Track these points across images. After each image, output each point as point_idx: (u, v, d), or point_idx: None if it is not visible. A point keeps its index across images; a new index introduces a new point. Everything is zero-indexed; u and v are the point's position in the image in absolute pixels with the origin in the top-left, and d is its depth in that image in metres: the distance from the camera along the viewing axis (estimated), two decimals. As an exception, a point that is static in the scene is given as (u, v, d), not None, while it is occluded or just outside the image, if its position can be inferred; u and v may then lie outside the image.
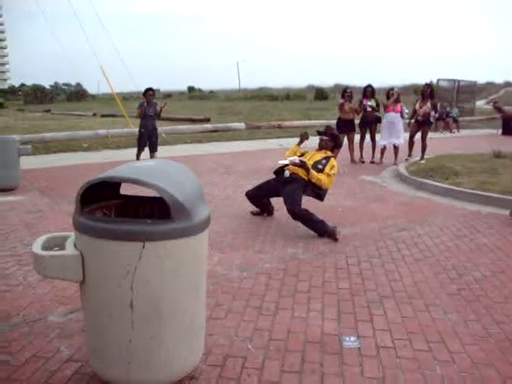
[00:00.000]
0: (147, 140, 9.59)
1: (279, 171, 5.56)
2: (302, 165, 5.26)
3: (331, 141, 5.84)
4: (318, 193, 5.48)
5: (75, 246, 2.16)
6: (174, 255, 2.07)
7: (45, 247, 2.22)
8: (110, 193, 2.46)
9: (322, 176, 5.31)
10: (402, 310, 3.30)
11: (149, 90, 9.56)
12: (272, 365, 2.60)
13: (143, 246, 1.99)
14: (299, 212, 5.05)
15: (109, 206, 2.44)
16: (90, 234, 2.05)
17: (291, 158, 5.37)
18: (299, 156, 5.67)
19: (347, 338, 2.89)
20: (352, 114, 10.47)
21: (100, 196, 2.37)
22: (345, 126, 10.31)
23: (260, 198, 5.76)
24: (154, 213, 2.47)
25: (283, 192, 5.28)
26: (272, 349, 2.77)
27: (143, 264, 2.01)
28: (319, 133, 5.98)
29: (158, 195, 2.11)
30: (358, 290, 3.64)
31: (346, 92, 10.63)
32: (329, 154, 5.71)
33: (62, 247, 2.22)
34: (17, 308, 3.26)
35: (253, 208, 5.90)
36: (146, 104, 9.48)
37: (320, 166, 5.41)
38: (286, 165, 5.41)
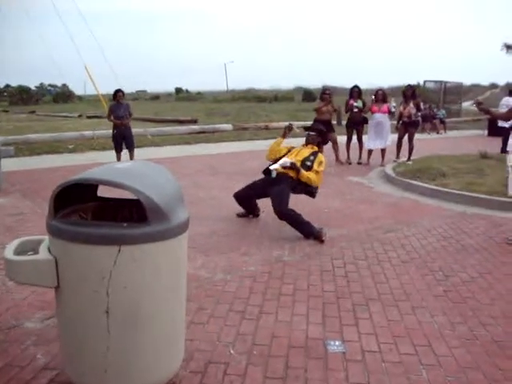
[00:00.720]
0: (122, 140, 9.60)
1: (268, 171, 5.49)
2: (293, 167, 5.21)
3: (318, 136, 5.79)
4: (309, 190, 5.45)
5: (49, 250, 2.08)
6: (151, 259, 2.00)
7: (18, 252, 2.13)
8: (87, 195, 2.38)
9: (311, 175, 5.27)
10: (388, 313, 3.25)
11: (118, 91, 9.71)
12: (255, 371, 2.53)
13: (119, 250, 1.92)
14: (286, 212, 4.99)
15: (86, 208, 2.36)
16: (63, 238, 1.97)
17: (281, 162, 5.30)
18: (286, 152, 5.61)
19: (332, 343, 2.83)
20: (329, 115, 10.25)
21: (77, 198, 2.29)
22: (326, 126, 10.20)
23: (248, 199, 5.69)
24: (132, 216, 2.39)
25: (271, 192, 5.22)
26: (255, 354, 2.70)
27: (119, 269, 1.94)
28: (305, 128, 5.91)
29: (135, 197, 2.04)
30: (343, 293, 3.59)
31: (324, 93, 10.42)
32: (315, 149, 5.66)
33: (36, 251, 2.14)
34: (-7, 314, 3.16)
35: (239, 210, 5.83)
36: (116, 105, 9.60)
37: (308, 163, 5.35)
38: (275, 170, 5.34)
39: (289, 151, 5.66)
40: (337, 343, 2.83)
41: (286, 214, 5.01)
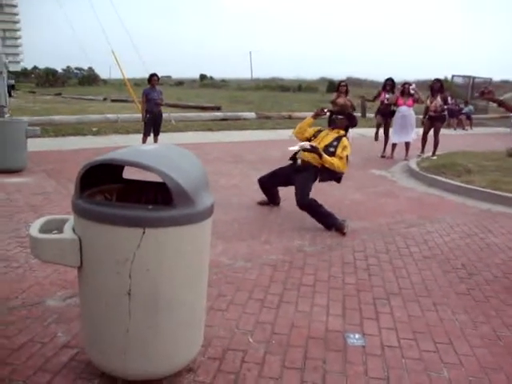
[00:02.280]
0: (153, 125, 9.61)
1: (294, 158, 5.41)
2: (313, 150, 5.07)
3: (346, 120, 5.55)
4: (336, 177, 5.37)
5: (73, 230, 2.08)
6: (175, 243, 1.98)
7: (43, 230, 2.14)
8: (112, 176, 2.38)
9: (334, 160, 5.10)
10: (409, 309, 3.21)
11: (153, 75, 9.76)
12: (273, 360, 2.52)
13: (143, 233, 1.91)
14: (306, 202, 4.95)
15: (110, 189, 2.36)
16: (88, 218, 1.97)
17: (301, 144, 5.17)
18: (313, 134, 5.50)
19: (352, 336, 2.81)
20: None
21: (102, 179, 2.29)
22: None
23: (272, 185, 5.64)
24: (156, 199, 2.38)
25: (295, 180, 5.17)
26: (274, 343, 2.69)
27: (143, 251, 1.93)
28: (332, 112, 5.70)
29: (161, 180, 2.02)
30: (364, 286, 3.55)
31: (340, 85, 10.29)
32: (341, 133, 5.43)
33: (61, 230, 2.14)
34: (16, 291, 3.20)
35: (260, 198, 5.81)
36: (150, 89, 9.63)
37: (331, 149, 5.19)
38: (297, 152, 5.25)
39: (316, 133, 5.51)
40: (356, 336, 2.80)
41: (306, 205, 4.96)
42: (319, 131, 5.57)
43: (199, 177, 2.18)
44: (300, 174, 5.16)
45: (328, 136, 5.40)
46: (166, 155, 2.18)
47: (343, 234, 4.75)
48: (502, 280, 3.79)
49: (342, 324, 2.95)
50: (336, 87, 10.58)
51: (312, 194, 5.06)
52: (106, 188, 2.34)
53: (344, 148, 5.22)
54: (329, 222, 4.90)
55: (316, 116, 5.64)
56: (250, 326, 2.86)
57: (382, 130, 10.83)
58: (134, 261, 1.94)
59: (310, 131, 5.57)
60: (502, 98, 3.79)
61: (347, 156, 5.24)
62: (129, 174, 2.45)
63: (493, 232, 5.11)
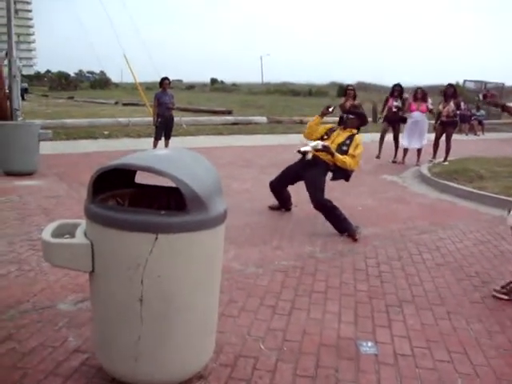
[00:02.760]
0: (164, 129, 9.62)
1: (303, 152, 5.32)
2: (326, 150, 5.05)
3: (357, 119, 5.51)
4: (348, 174, 5.37)
5: (85, 234, 2.08)
6: (188, 249, 1.97)
7: (55, 234, 2.14)
8: (124, 181, 2.38)
9: (346, 158, 5.10)
10: (422, 317, 3.16)
11: (165, 79, 9.76)
12: (285, 367, 2.49)
13: (156, 238, 1.90)
14: (323, 202, 4.93)
15: (122, 194, 2.35)
16: (101, 223, 1.97)
17: (313, 144, 5.13)
18: (325, 133, 5.44)
19: (364, 344, 2.77)
20: None
21: (114, 184, 2.28)
22: None
23: (283, 186, 5.60)
24: (169, 204, 2.37)
25: (305, 176, 5.14)
26: (285, 350, 2.66)
27: (155, 257, 1.92)
28: (344, 111, 5.63)
29: (174, 185, 2.01)
30: (376, 293, 3.51)
31: (348, 89, 10.21)
32: (354, 131, 5.40)
33: (73, 235, 2.14)
34: (27, 294, 3.20)
35: (272, 202, 5.79)
36: (162, 93, 9.65)
37: (344, 148, 5.17)
38: (307, 152, 5.18)
39: (327, 132, 5.46)
40: (369, 344, 2.76)
41: (323, 205, 4.93)
42: (331, 130, 5.51)
43: (213, 182, 2.17)
44: (310, 171, 5.11)
45: (340, 136, 5.36)
46: (179, 160, 2.17)
47: (355, 240, 4.71)
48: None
49: (354, 331, 2.92)
50: (344, 91, 10.47)
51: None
52: (119, 193, 2.33)
53: (357, 146, 5.21)
54: (343, 226, 4.86)
55: (323, 115, 5.57)
56: (261, 333, 2.83)
57: (390, 136, 10.66)
58: (146, 266, 1.92)
59: (321, 130, 5.52)
60: (506, 103, 3.70)
61: (359, 154, 5.22)
62: (141, 178, 2.44)
63: (506, 239, 5.04)
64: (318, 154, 5.13)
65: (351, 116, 5.52)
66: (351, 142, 5.23)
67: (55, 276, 3.52)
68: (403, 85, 10.69)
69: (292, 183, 5.56)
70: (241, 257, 4.11)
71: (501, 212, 6.21)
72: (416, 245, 4.71)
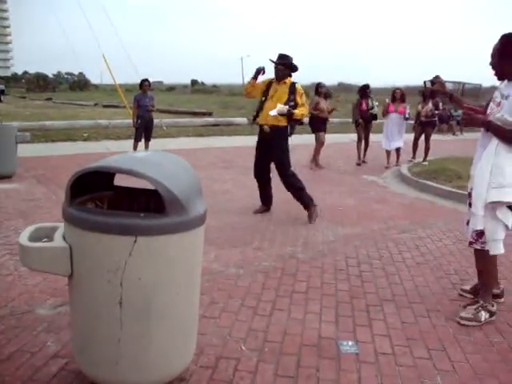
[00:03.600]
0: (144, 130, 9.58)
1: (255, 120, 5.65)
2: (290, 113, 5.30)
3: (286, 68, 5.44)
4: (300, 123, 5.72)
5: (64, 237, 2.05)
6: (168, 251, 1.96)
7: (32, 238, 2.11)
8: (103, 183, 2.35)
9: (302, 110, 5.42)
10: (402, 315, 3.19)
11: (145, 81, 9.78)
12: (266, 368, 2.49)
13: (135, 241, 1.88)
14: (291, 173, 5.42)
15: (101, 197, 2.33)
16: (79, 226, 1.94)
17: (279, 109, 5.29)
18: (265, 89, 5.49)
19: (345, 343, 2.79)
20: (326, 113, 9.75)
21: (93, 186, 2.26)
22: (317, 124, 9.74)
23: (264, 170, 5.67)
24: (149, 206, 2.35)
25: (273, 154, 5.48)
26: (267, 351, 2.66)
27: (134, 259, 1.90)
28: (272, 61, 5.49)
29: (153, 187, 2.00)
30: (357, 293, 3.54)
31: (319, 87, 9.91)
32: (288, 81, 5.44)
33: (51, 239, 2.11)
34: (5, 299, 3.15)
35: (253, 205, 5.80)
36: (141, 95, 9.61)
37: (292, 103, 5.35)
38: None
39: (267, 88, 5.48)
40: (350, 343, 2.78)
41: (291, 176, 5.40)
42: (269, 84, 5.51)
43: (192, 184, 2.16)
44: (274, 147, 5.43)
45: (279, 91, 5.41)
46: (158, 162, 2.15)
47: (310, 220, 5.30)
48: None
49: (335, 331, 2.93)
50: (315, 90, 10.25)
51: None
52: (97, 195, 2.31)
53: (301, 95, 5.44)
54: (307, 201, 5.42)
55: (256, 77, 5.57)
56: (242, 334, 2.83)
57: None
58: (125, 269, 1.91)
59: (261, 86, 5.56)
60: (454, 94, 3.64)
61: (305, 99, 5.56)
62: (120, 180, 2.42)
63: (484, 237, 5.12)
64: (272, 122, 5.36)
65: (280, 66, 5.42)
66: (294, 94, 5.38)
67: (34, 280, 3.47)
68: (383, 85, 10.74)
69: (269, 162, 5.63)
70: (221, 258, 4.10)
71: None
72: (396, 244, 4.75)
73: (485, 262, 3.20)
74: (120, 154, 2.26)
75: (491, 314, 3.15)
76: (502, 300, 3.43)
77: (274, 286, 3.57)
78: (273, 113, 5.33)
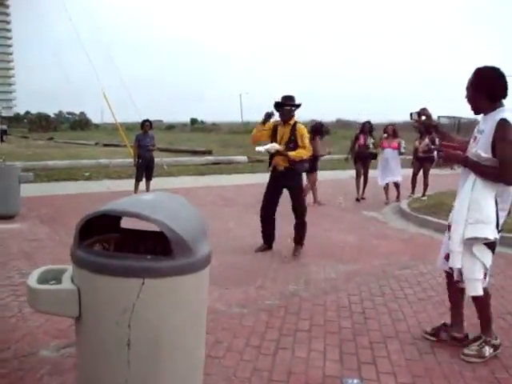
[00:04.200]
0: (145, 170, 9.69)
1: (270, 163, 5.68)
2: (281, 154, 5.43)
3: (294, 109, 5.57)
4: (307, 162, 6.02)
5: (72, 280, 2.10)
6: (174, 292, 2.00)
7: (41, 280, 2.15)
8: (109, 226, 2.41)
9: (300, 152, 5.46)
10: (407, 352, 3.20)
11: (146, 121, 9.95)
12: (272, 408, 2.49)
13: (143, 283, 1.92)
14: (304, 219, 5.69)
15: (108, 239, 2.38)
16: (88, 269, 1.99)
17: (267, 147, 5.43)
18: (273, 132, 5.59)
19: (350, 381, 2.79)
20: (319, 151, 9.51)
21: (99, 228, 2.31)
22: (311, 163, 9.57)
23: (272, 208, 5.75)
24: (155, 248, 2.40)
25: (290, 187, 5.62)
26: (272, 391, 2.66)
27: (142, 301, 1.94)
28: (277, 104, 5.53)
29: (159, 229, 2.05)
30: (360, 330, 3.54)
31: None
32: (292, 122, 5.52)
33: (59, 281, 2.15)
34: (8, 341, 3.16)
35: (255, 243, 5.83)
36: (142, 135, 9.77)
37: (291, 145, 5.46)
38: (261, 151, 5.60)
39: (274, 132, 5.59)
40: (355, 381, 2.78)
41: (304, 221, 5.67)
42: (275, 128, 5.61)
43: (197, 226, 2.22)
44: (291, 181, 5.56)
45: (285, 134, 5.53)
46: (164, 204, 2.22)
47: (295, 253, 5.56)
48: (497, 321, 3.78)
49: (340, 369, 2.94)
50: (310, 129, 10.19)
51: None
52: (104, 237, 2.36)
53: (302, 136, 5.50)
54: (302, 240, 5.72)
55: (265, 122, 5.64)
56: (247, 374, 2.83)
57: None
58: (133, 311, 1.94)
59: (267, 131, 5.63)
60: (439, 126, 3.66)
61: (308, 141, 5.60)
62: (126, 222, 2.47)
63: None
64: (284, 164, 5.48)
65: (286, 108, 5.50)
66: (295, 135, 5.47)
67: (37, 322, 3.48)
68: (380, 121, 10.89)
69: (277, 200, 5.76)
70: (225, 297, 4.11)
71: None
72: (398, 280, 4.77)
73: (477, 301, 3.17)
74: (127, 197, 2.32)
75: (495, 348, 3.14)
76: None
77: (278, 325, 3.57)
78: (259, 149, 5.54)
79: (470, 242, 2.97)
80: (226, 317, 3.69)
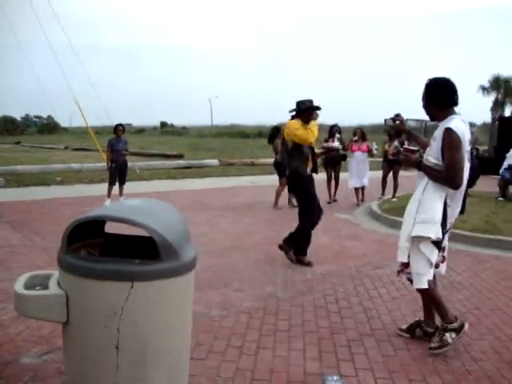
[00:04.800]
0: (117, 174, 9.65)
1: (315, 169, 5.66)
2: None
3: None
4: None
5: (59, 285, 2.13)
6: (162, 295, 2.05)
7: (27, 286, 2.17)
8: (94, 231, 2.44)
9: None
10: (383, 349, 3.32)
11: (119, 125, 9.93)
12: (256, 406, 2.56)
13: (131, 287, 1.97)
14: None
15: (93, 244, 2.42)
16: (76, 273, 2.03)
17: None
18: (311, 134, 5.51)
19: (330, 378, 2.88)
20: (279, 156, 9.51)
21: (84, 234, 2.35)
22: (277, 167, 9.88)
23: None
24: (139, 252, 2.45)
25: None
26: (255, 390, 2.73)
27: (131, 304, 1.99)
28: (316, 107, 5.60)
29: (144, 234, 2.11)
30: (337, 329, 3.65)
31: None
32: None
33: (45, 286, 2.18)
34: (-13, 350, 3.14)
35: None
36: (116, 139, 9.74)
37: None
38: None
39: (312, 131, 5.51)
40: (335, 378, 2.87)
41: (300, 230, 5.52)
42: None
43: (182, 230, 2.28)
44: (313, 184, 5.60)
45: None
46: (149, 209, 2.27)
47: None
48: (466, 315, 3.95)
49: (320, 367, 3.03)
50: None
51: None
52: (89, 243, 2.39)
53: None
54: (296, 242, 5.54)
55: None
56: (230, 373, 2.90)
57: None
58: (122, 314, 1.99)
59: (310, 132, 5.50)
60: (412, 131, 3.88)
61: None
62: (106, 227, 2.51)
63: (455, 270, 5.32)
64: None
65: (318, 111, 5.70)
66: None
67: (16, 329, 3.46)
68: (348, 124, 11.06)
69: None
70: (203, 300, 4.15)
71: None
72: (372, 280, 4.91)
73: (423, 293, 3.40)
74: (113, 203, 2.37)
75: (457, 331, 3.26)
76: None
77: (258, 326, 3.65)
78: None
79: (418, 240, 3.18)
80: (206, 319, 3.75)
